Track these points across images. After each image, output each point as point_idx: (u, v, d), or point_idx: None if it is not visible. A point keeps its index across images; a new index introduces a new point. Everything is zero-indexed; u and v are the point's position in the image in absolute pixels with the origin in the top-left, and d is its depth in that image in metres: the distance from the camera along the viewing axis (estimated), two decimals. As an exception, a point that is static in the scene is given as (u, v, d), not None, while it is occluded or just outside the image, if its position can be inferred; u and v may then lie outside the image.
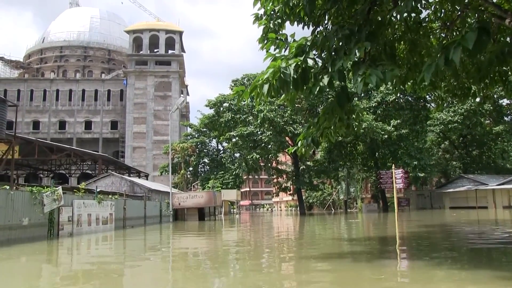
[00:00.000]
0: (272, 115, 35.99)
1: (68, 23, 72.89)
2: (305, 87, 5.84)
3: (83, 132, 63.81)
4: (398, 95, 37.28)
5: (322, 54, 6.54)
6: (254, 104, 38.17)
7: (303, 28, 6.98)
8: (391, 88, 33.25)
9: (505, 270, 6.09)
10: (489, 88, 8.78)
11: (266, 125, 37.32)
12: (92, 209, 15.94)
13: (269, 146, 39.47)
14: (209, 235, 16.92)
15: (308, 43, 6.02)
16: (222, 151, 50.71)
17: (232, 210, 52.18)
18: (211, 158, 49.45)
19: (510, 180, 38.59)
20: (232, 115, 40.30)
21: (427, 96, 33.32)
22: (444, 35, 8.25)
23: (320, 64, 6.47)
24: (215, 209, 35.29)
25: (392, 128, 36.24)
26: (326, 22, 7.00)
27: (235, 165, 41.63)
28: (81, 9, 79.15)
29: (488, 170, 46.75)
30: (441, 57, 4.40)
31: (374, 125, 34.56)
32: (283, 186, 46.80)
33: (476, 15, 7.50)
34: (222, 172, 43.46)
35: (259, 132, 39.55)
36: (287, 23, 7.00)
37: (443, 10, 8.08)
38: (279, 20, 6.94)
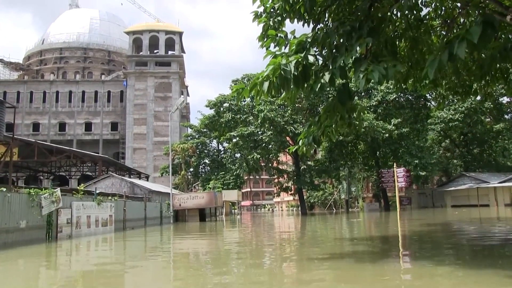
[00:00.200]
0: (272, 115, 35.89)
1: (67, 25, 72.87)
2: (306, 85, 5.73)
3: (83, 134, 63.74)
4: (399, 93, 37.21)
5: (323, 51, 6.43)
6: (254, 104, 38.13)
7: (303, 25, 6.89)
8: (391, 87, 33.39)
9: (509, 269, 5.98)
10: (491, 86, 8.68)
11: (266, 125, 37.22)
12: (92, 210, 15.83)
13: (270, 146, 39.36)
14: (210, 236, 16.82)
15: (309, 40, 5.91)
16: (222, 152, 50.62)
17: (233, 210, 52.10)
18: (212, 159, 49.35)
19: (511, 178, 38.48)
20: (233, 115, 40.19)
21: (428, 95, 33.22)
22: (444, 33, 8.15)
23: (321, 61, 6.38)
24: (216, 209, 35.20)
25: (393, 127, 36.13)
26: (326, 19, 6.91)
27: (236, 165, 41.53)
28: (80, 10, 79.09)
29: (489, 168, 46.67)
30: (445, 52, 4.29)
31: (375, 124, 34.43)
32: (284, 186, 46.70)
33: (477, 12, 7.40)
34: (223, 172, 43.35)
35: (259, 132, 39.45)
36: (287, 21, 6.91)
37: (443, 8, 7.99)
38: (279, 18, 6.85)
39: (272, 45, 6.63)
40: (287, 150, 37.09)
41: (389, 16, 6.85)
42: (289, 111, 37.89)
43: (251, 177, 64.60)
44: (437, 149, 49.53)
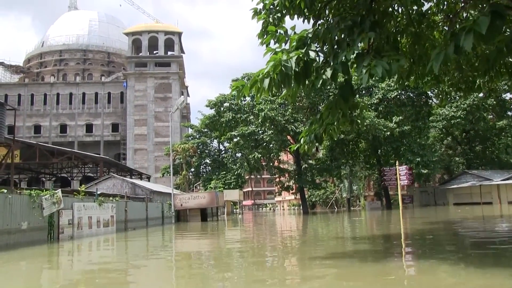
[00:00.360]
0: (273, 114, 35.80)
1: (67, 27, 72.86)
2: (307, 81, 5.63)
3: (84, 135, 63.76)
4: (400, 91, 37.05)
5: (324, 47, 6.34)
6: (255, 103, 38.03)
7: (303, 21, 6.80)
8: (392, 84, 33.26)
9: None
10: (495, 81, 8.59)
11: (267, 124, 37.12)
12: (93, 211, 15.78)
13: (271, 145, 39.28)
14: (212, 235, 16.76)
15: (310, 35, 5.82)
16: (223, 151, 50.57)
17: (234, 210, 52.02)
18: (213, 159, 49.31)
19: (514, 175, 38.33)
20: (233, 114, 40.11)
21: (429, 92, 33.06)
22: (447, 28, 8.06)
23: (322, 58, 6.29)
24: (217, 209, 35.12)
25: (394, 125, 35.98)
26: (327, 14, 6.82)
27: (237, 165, 41.47)
28: (79, 12, 79.05)
29: (491, 165, 46.39)
30: (451, 44, 4.18)
31: (376, 122, 34.31)
32: (285, 185, 46.63)
33: (480, 6, 7.30)
34: (224, 172, 43.30)
35: (260, 132, 39.38)
36: (287, 18, 6.82)
37: (446, 2, 7.89)
38: (279, 14, 6.76)
39: (272, 41, 6.55)
40: (288, 149, 37.00)
41: (390, 11, 6.76)
42: (289, 110, 37.80)
43: (252, 176, 64.43)
44: (439, 147, 49.34)
